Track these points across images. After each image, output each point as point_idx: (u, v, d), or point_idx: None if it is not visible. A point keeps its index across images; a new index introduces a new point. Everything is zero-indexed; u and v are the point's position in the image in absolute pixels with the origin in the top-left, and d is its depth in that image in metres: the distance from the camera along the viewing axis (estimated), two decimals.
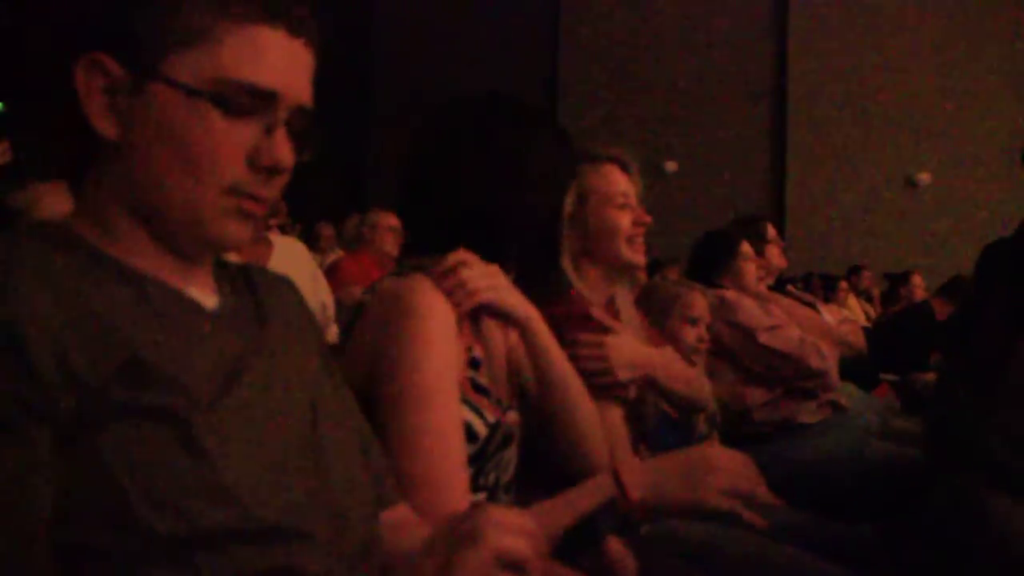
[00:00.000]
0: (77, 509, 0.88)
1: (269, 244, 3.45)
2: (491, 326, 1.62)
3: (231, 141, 1.00)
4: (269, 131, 1.02)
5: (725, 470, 1.44)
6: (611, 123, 14.83)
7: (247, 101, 1.00)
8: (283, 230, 5.72)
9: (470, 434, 1.48)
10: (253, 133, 1.01)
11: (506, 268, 1.59)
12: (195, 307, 1.04)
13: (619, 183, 2.23)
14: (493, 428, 1.51)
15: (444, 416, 1.39)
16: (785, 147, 15.09)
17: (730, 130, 15.16)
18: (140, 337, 0.94)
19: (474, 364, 1.53)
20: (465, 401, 1.48)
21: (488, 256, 1.56)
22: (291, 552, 0.95)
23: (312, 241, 7.36)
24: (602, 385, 1.93)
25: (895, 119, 14.89)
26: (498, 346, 1.65)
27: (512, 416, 1.58)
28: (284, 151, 1.02)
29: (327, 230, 7.89)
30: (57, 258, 0.96)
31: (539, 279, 1.65)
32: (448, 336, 1.43)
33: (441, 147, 1.63)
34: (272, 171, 1.02)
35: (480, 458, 1.49)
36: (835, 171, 14.96)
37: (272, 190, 1.04)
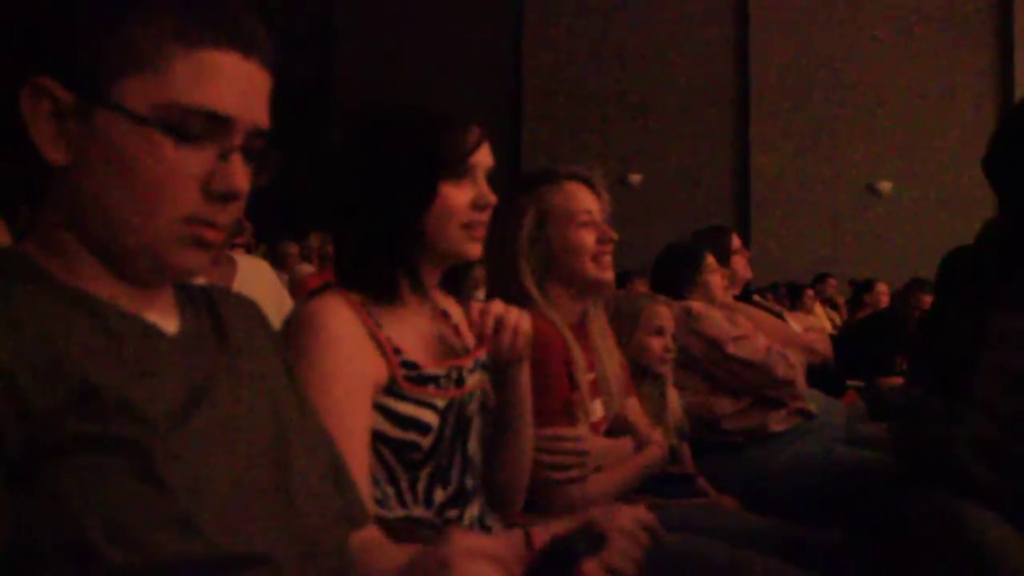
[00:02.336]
0: (32, 543, 0.85)
1: (233, 264, 3.42)
2: (436, 324, 1.64)
3: (184, 169, 0.97)
4: (224, 157, 0.99)
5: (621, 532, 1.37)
6: (575, 136, 14.89)
7: (200, 127, 0.97)
8: (248, 249, 5.69)
9: (422, 427, 1.50)
10: (207, 159, 0.98)
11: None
12: (154, 332, 1.01)
13: (581, 201, 2.20)
14: (444, 413, 1.52)
15: (344, 428, 1.39)
16: (749, 158, 15.22)
17: (694, 142, 15.27)
18: (95, 365, 0.92)
19: (408, 365, 1.52)
20: (409, 399, 1.50)
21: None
22: None
23: (277, 259, 7.33)
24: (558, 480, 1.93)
25: (856, 128, 15.07)
26: (448, 337, 1.66)
27: (472, 379, 1.61)
28: (239, 177, 0.99)
29: (292, 248, 7.88)
30: (7, 286, 0.94)
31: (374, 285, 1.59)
32: (346, 348, 1.45)
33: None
34: (228, 198, 1.00)
35: (438, 446, 1.52)
36: (798, 181, 15.11)
37: (229, 216, 1.01)
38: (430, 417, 1.51)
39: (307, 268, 6.91)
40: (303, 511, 1.03)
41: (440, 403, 1.52)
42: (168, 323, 1.04)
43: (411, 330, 1.57)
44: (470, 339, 1.72)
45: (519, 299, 2.13)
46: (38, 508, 0.86)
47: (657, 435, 2.38)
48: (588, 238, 2.19)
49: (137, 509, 0.88)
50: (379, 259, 1.55)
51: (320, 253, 6.62)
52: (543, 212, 2.19)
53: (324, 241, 6.07)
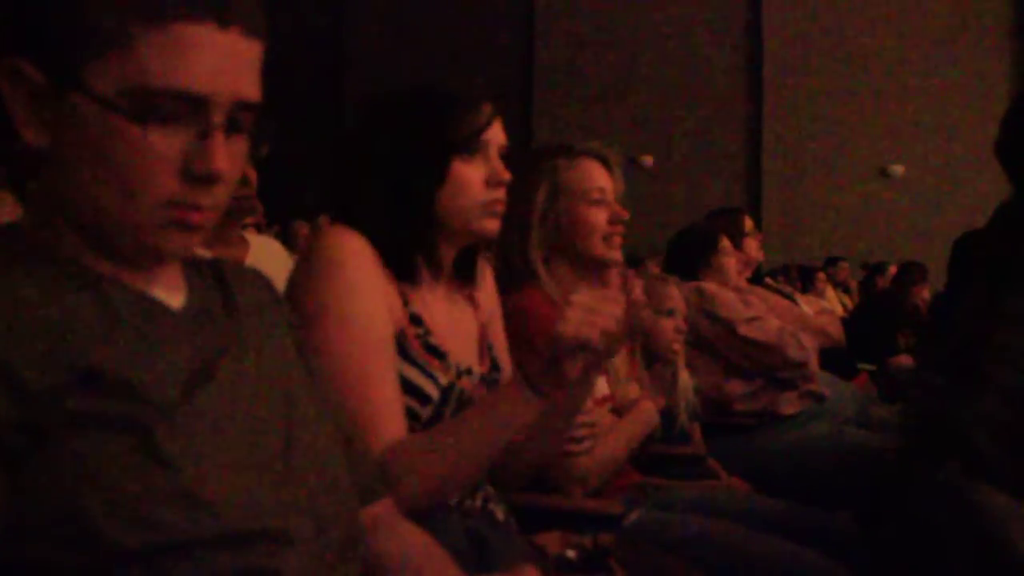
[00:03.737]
0: (31, 525, 0.84)
1: (245, 243, 3.43)
2: (449, 296, 1.62)
3: (159, 153, 0.92)
4: (202, 137, 0.94)
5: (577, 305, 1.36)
6: (587, 118, 14.85)
7: (171, 108, 0.92)
8: (259, 229, 5.70)
9: (422, 396, 1.48)
10: (184, 141, 0.93)
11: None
12: (159, 308, 1.00)
13: (596, 178, 2.19)
14: (445, 391, 1.50)
15: (369, 360, 1.39)
16: (761, 141, 15.17)
17: (706, 124, 15.22)
18: (97, 344, 0.90)
19: (416, 320, 1.51)
20: (414, 362, 1.48)
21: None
22: (268, 555, 0.93)
23: (289, 240, 7.35)
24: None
25: (868, 112, 15.00)
26: (465, 315, 1.65)
27: (470, 381, 1.56)
28: (219, 158, 0.94)
29: (303, 229, 7.90)
30: (5, 263, 0.92)
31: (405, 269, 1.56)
32: (367, 281, 1.44)
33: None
34: (208, 180, 0.94)
35: (435, 421, 1.49)
36: (810, 164, 15.06)
37: (215, 198, 0.97)
38: (431, 389, 1.49)
39: None
40: (312, 485, 1.02)
41: (443, 379, 1.50)
42: (173, 298, 1.02)
43: (419, 291, 1.56)
44: (484, 315, 1.72)
45: (523, 273, 2.14)
46: (36, 489, 0.85)
47: (648, 401, 2.37)
48: (600, 216, 2.18)
49: (141, 488, 0.87)
50: (396, 241, 1.52)
51: None
52: (556, 187, 2.18)
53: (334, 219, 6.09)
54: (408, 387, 1.47)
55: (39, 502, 0.85)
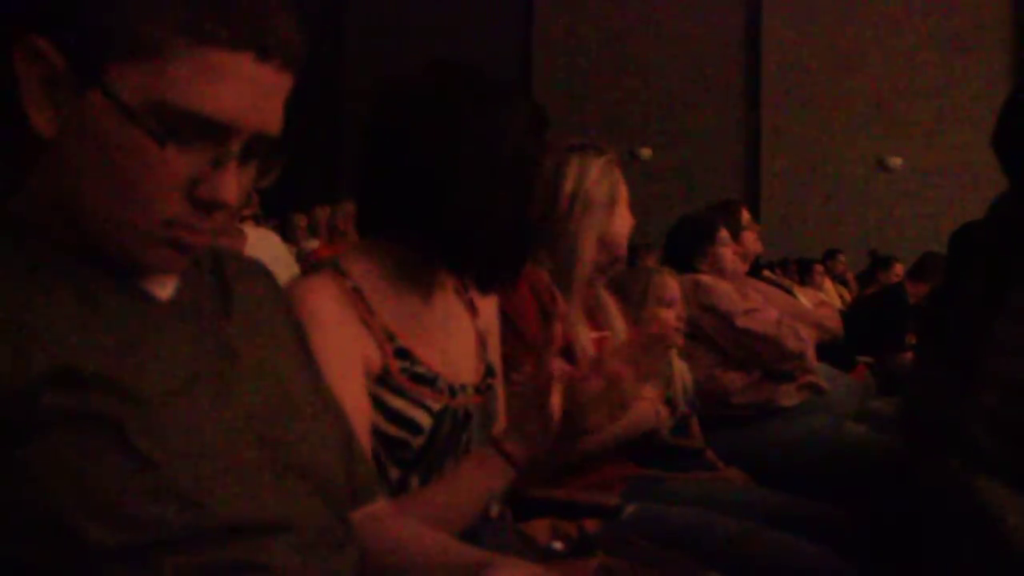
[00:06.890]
0: (10, 525, 0.83)
1: (243, 235, 3.45)
2: (448, 308, 1.59)
3: (169, 172, 0.89)
4: (216, 164, 0.91)
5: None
6: (585, 110, 14.84)
7: (192, 131, 0.89)
8: (257, 221, 5.69)
9: (414, 427, 1.44)
10: (196, 164, 0.90)
11: (464, 266, 1.54)
12: (145, 299, 0.97)
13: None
14: (439, 416, 1.47)
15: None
16: (759, 133, 15.17)
17: (704, 116, 15.22)
18: (74, 340, 0.88)
19: (402, 354, 1.47)
20: (403, 394, 1.45)
21: (445, 252, 1.50)
22: (257, 548, 0.92)
23: (287, 232, 7.35)
24: None
25: (866, 104, 15.00)
26: (462, 323, 1.62)
27: (465, 397, 1.53)
28: (229, 189, 0.91)
29: (301, 221, 7.89)
30: None
31: (501, 278, 1.55)
32: (337, 333, 1.39)
33: (400, 126, 1.50)
34: (213, 207, 0.92)
35: (430, 448, 1.46)
36: (808, 156, 15.06)
37: (215, 222, 0.94)
38: (423, 418, 1.45)
39: (312, 243, 6.92)
40: (305, 479, 1.01)
41: (435, 405, 1.47)
42: (163, 288, 0.99)
43: (409, 314, 1.51)
44: (482, 322, 1.68)
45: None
46: (14, 488, 0.83)
47: (650, 393, 2.37)
48: None
49: (120, 485, 0.85)
50: (516, 240, 1.54)
51: (328, 225, 6.62)
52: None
53: (332, 214, 6.07)
54: (399, 419, 1.44)
55: (17, 502, 0.83)
